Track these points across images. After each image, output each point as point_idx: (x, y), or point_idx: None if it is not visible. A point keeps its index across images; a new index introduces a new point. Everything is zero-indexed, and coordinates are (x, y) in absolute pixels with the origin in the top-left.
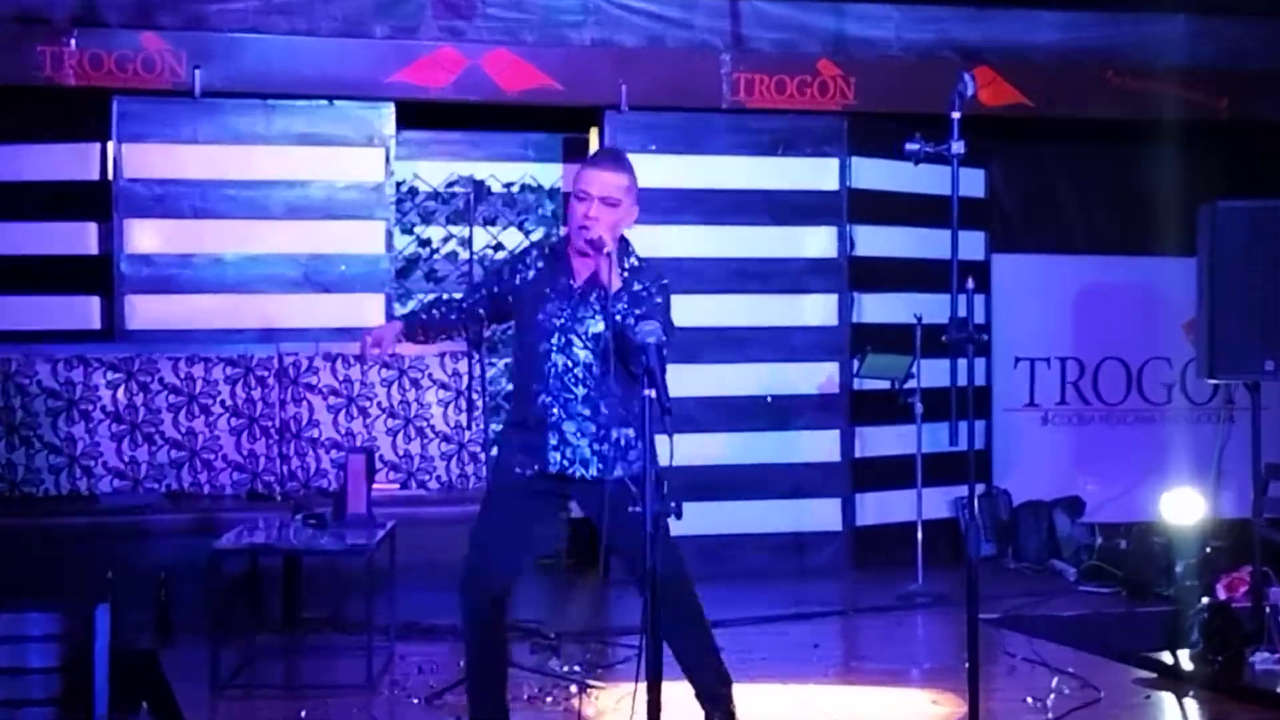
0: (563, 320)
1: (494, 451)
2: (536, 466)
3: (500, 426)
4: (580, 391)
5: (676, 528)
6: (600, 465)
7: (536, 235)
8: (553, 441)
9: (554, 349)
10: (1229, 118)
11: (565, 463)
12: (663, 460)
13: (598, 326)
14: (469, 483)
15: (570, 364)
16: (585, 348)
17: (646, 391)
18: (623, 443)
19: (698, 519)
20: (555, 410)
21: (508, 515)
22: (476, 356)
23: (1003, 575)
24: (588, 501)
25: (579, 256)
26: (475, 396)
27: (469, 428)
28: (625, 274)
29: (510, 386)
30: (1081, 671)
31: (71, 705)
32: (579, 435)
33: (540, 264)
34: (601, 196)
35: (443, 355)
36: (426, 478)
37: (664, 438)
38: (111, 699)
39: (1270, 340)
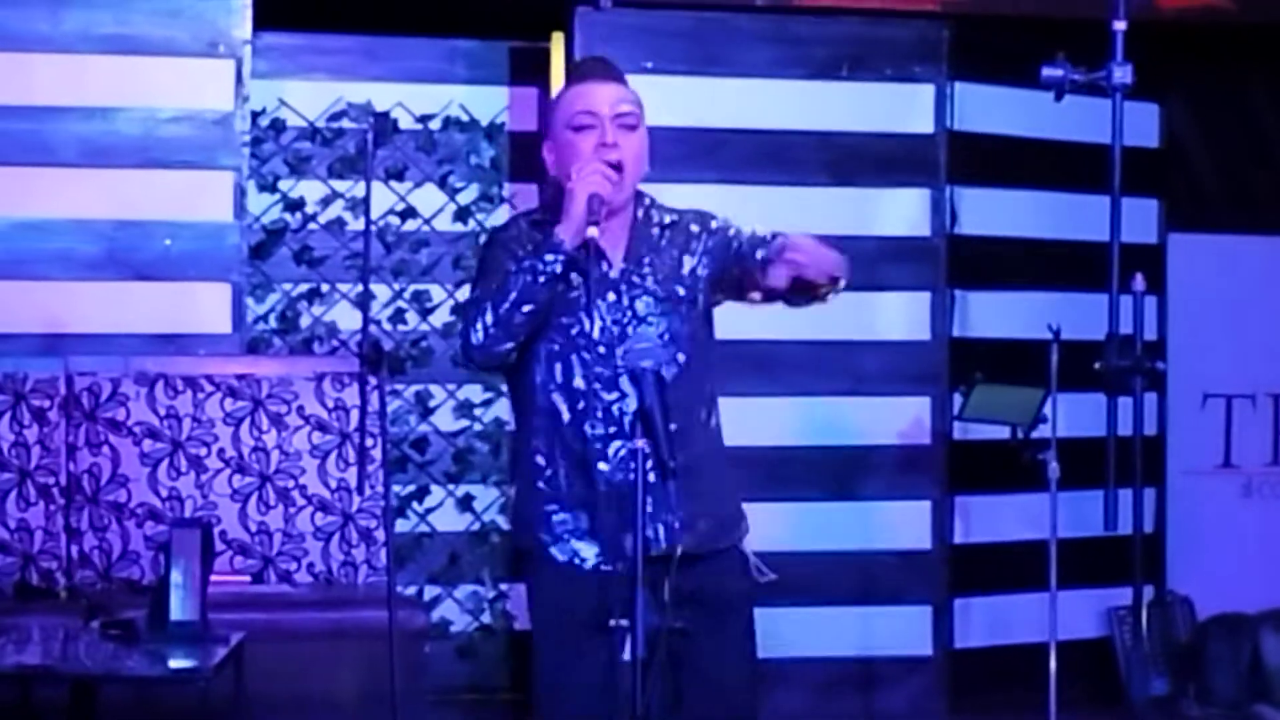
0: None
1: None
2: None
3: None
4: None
5: None
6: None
7: (469, 194)
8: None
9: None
10: None
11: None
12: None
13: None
14: (357, 575)
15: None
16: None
17: (638, 442)
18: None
19: None
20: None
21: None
22: (373, 381)
23: None
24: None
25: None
26: (370, 443)
27: (360, 491)
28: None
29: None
30: None
31: None
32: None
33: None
34: (616, 115)
35: (319, 379)
36: (293, 566)
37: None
38: None
39: None
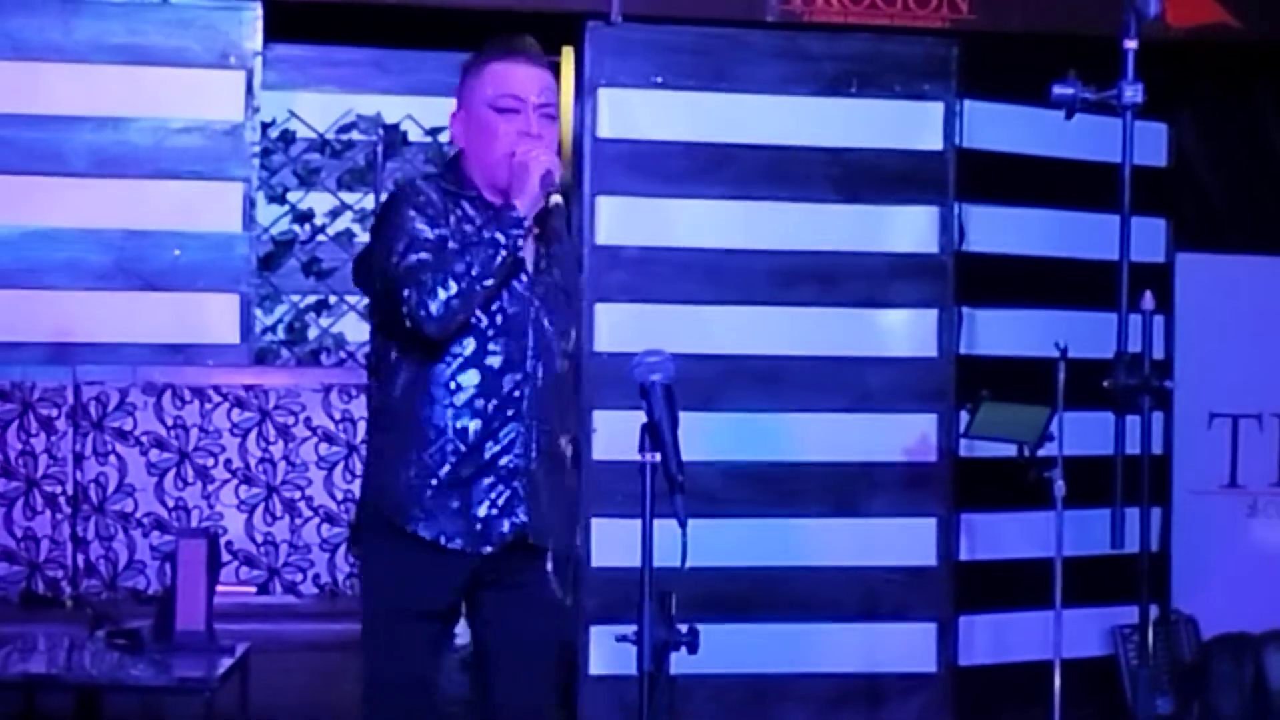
0: (534, 313)
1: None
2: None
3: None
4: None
5: (686, 664)
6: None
7: None
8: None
9: (530, 357)
10: None
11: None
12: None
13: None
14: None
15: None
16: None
17: (649, 456)
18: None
19: (719, 650)
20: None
21: None
22: None
23: None
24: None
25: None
26: None
27: None
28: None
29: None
30: None
31: None
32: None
33: (463, 215)
34: (540, 105)
35: (327, 390)
36: (298, 578)
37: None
38: None
39: None
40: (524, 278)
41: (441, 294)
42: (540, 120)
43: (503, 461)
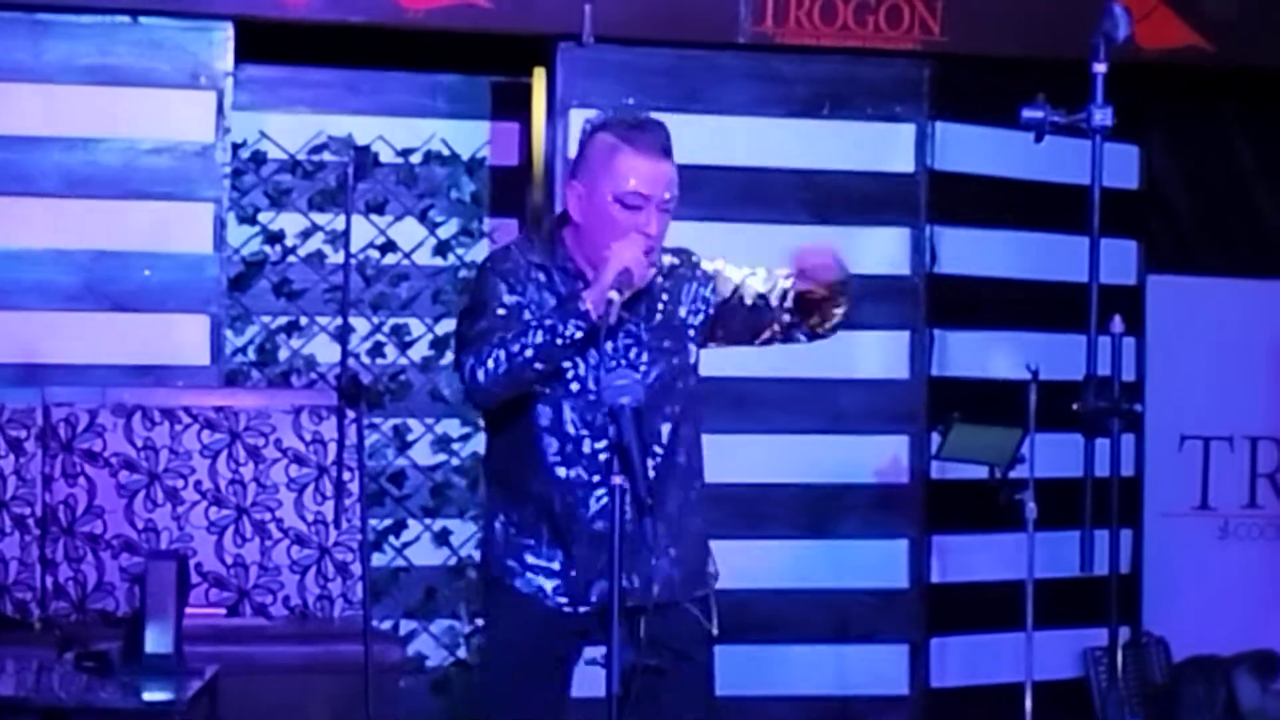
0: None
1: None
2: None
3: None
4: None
5: None
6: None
7: (449, 228)
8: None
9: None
10: None
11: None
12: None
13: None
14: (333, 609)
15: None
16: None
17: (615, 479)
18: None
19: None
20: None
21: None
22: (351, 415)
23: None
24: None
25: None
26: (348, 476)
27: (337, 524)
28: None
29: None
30: None
31: None
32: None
33: (548, 283)
34: (662, 202)
35: (297, 412)
36: (269, 599)
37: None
38: None
39: None
40: (607, 345)
41: (491, 365)
42: (659, 214)
43: (597, 526)
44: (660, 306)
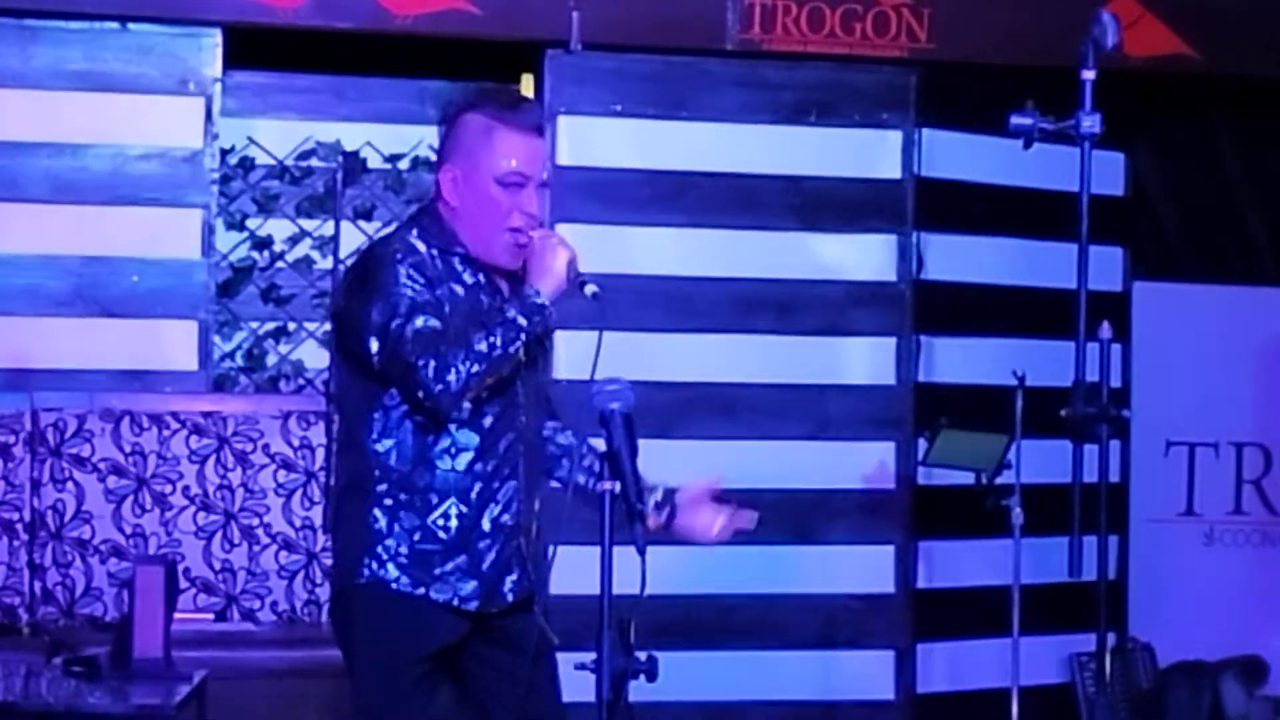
0: (521, 371)
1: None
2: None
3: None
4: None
5: (645, 692)
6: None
7: None
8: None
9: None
10: None
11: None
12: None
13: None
14: (321, 614)
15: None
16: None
17: (606, 485)
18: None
19: (677, 678)
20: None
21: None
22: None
23: None
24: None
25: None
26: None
27: (324, 529)
28: None
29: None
30: None
31: None
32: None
33: (450, 272)
34: (542, 182)
35: (285, 417)
36: (256, 604)
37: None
38: None
39: None
40: None
41: (462, 369)
42: (539, 194)
43: (503, 520)
44: None
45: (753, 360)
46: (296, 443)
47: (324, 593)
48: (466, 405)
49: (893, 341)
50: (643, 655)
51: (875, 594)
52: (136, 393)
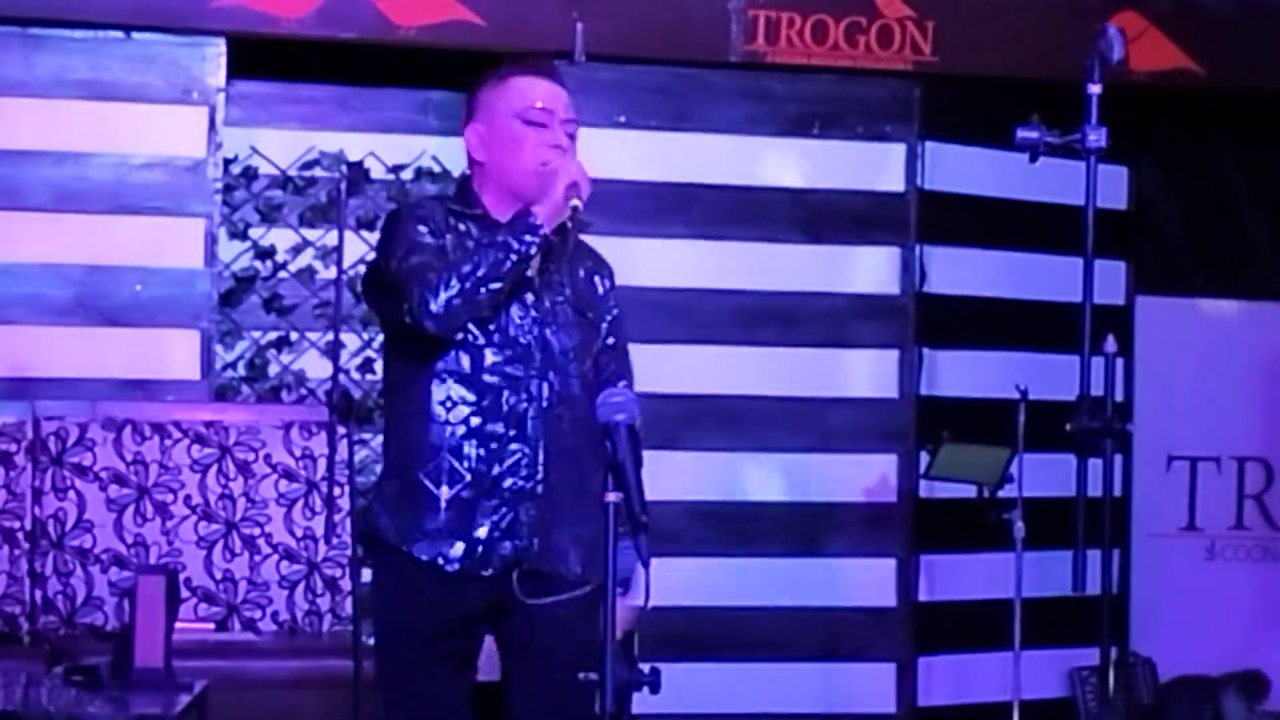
0: (540, 332)
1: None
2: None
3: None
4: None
5: (649, 704)
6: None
7: None
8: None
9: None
10: None
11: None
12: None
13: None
14: (322, 624)
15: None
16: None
17: (610, 496)
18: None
19: (681, 691)
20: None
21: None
22: (342, 430)
23: None
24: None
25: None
26: (338, 492)
27: (326, 540)
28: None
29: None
30: None
31: None
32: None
33: (467, 235)
34: (566, 120)
35: (287, 427)
36: (257, 614)
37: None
38: None
39: None
40: (529, 296)
41: (444, 292)
42: (565, 137)
43: (506, 484)
44: (583, 275)
45: (755, 372)
46: (298, 453)
47: (325, 603)
48: (463, 335)
49: (895, 354)
50: (646, 668)
51: (877, 607)
52: (138, 402)
